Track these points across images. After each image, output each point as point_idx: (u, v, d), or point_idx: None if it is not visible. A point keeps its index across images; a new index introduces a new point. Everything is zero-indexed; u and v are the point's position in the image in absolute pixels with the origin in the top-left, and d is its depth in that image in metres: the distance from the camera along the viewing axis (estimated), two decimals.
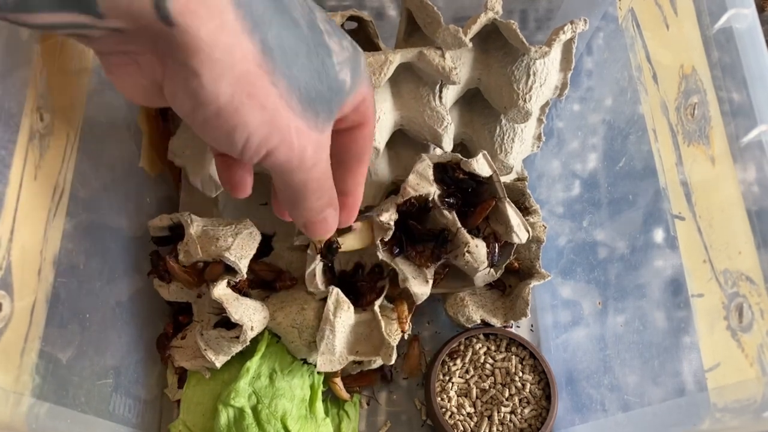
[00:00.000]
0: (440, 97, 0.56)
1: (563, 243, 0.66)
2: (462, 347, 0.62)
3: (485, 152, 0.55)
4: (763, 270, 0.36)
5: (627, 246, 0.54)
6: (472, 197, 0.57)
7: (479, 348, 0.61)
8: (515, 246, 0.58)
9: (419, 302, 0.57)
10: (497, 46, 0.55)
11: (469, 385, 0.61)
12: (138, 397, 0.55)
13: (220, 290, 0.52)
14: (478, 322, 0.61)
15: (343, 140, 0.40)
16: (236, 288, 0.55)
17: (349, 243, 0.53)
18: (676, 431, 0.43)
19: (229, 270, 0.53)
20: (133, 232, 0.55)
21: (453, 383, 0.60)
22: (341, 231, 0.51)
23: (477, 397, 0.60)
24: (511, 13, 0.63)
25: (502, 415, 0.59)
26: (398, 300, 0.59)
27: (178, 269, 0.54)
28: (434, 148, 0.61)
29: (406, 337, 0.58)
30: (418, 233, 0.56)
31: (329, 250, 0.50)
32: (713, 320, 0.41)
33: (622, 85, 0.55)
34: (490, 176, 0.55)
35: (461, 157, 0.55)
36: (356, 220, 0.48)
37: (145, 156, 0.58)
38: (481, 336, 0.62)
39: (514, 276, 0.64)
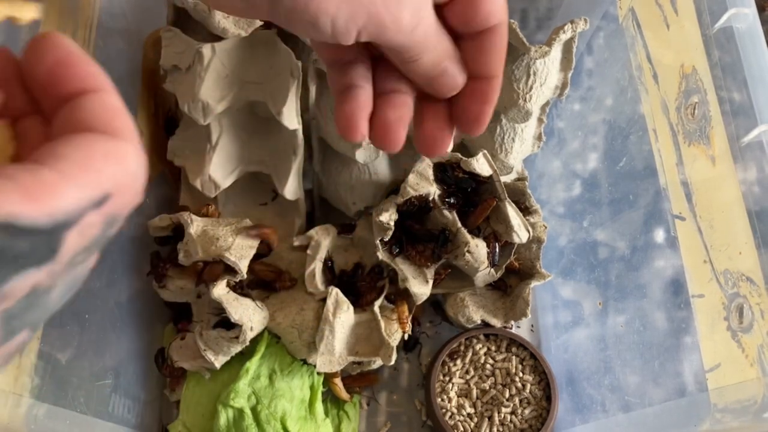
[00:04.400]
0: None
1: (564, 243, 0.65)
2: (462, 348, 0.62)
3: (485, 152, 0.55)
4: (763, 270, 0.36)
5: (627, 246, 0.54)
6: (473, 197, 0.57)
7: (479, 348, 0.61)
8: (516, 246, 0.58)
9: (419, 302, 0.56)
10: None
11: (469, 386, 0.60)
12: (137, 397, 0.55)
13: (220, 290, 0.52)
14: (479, 322, 0.61)
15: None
16: (237, 288, 0.55)
17: None
18: None
19: (229, 270, 0.53)
20: (133, 232, 0.55)
21: (453, 384, 0.60)
22: None
23: (477, 398, 0.60)
24: (511, 12, 0.62)
25: (502, 415, 0.59)
26: (398, 300, 0.59)
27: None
28: None
29: (406, 336, 0.58)
30: (417, 233, 0.56)
31: None
32: (714, 321, 0.40)
33: (622, 85, 0.54)
34: (491, 176, 0.55)
35: (461, 156, 0.55)
36: (356, 221, 0.42)
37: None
38: (482, 336, 0.62)
39: (514, 276, 0.64)
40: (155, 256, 0.58)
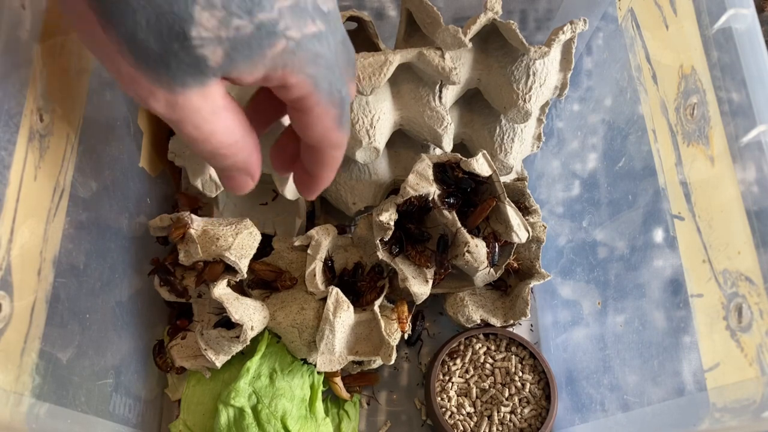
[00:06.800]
0: (440, 98, 0.56)
1: (563, 243, 0.66)
2: (462, 347, 0.62)
3: (485, 152, 0.55)
4: (762, 270, 0.36)
5: (627, 246, 0.54)
6: (472, 197, 0.57)
7: (479, 348, 0.61)
8: (515, 246, 0.58)
9: (419, 302, 0.57)
10: (497, 47, 0.55)
11: (469, 385, 0.61)
12: (138, 396, 0.55)
13: (220, 290, 0.52)
14: (478, 321, 0.61)
15: (291, 115, 0.37)
16: (237, 287, 0.55)
17: None
18: (676, 431, 0.43)
19: (229, 270, 0.53)
20: (133, 232, 0.55)
21: (453, 383, 0.60)
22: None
23: (477, 397, 0.60)
24: (510, 13, 0.63)
25: (501, 414, 0.59)
26: (399, 300, 0.59)
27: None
28: (434, 148, 0.61)
29: (406, 336, 0.58)
30: (412, 234, 0.56)
31: None
32: (713, 320, 0.41)
33: (621, 85, 0.55)
34: (490, 176, 0.55)
35: (461, 156, 0.55)
36: (357, 219, 0.45)
37: (145, 156, 0.58)
38: (481, 336, 0.62)
39: (514, 276, 0.64)
40: (161, 269, 0.57)
